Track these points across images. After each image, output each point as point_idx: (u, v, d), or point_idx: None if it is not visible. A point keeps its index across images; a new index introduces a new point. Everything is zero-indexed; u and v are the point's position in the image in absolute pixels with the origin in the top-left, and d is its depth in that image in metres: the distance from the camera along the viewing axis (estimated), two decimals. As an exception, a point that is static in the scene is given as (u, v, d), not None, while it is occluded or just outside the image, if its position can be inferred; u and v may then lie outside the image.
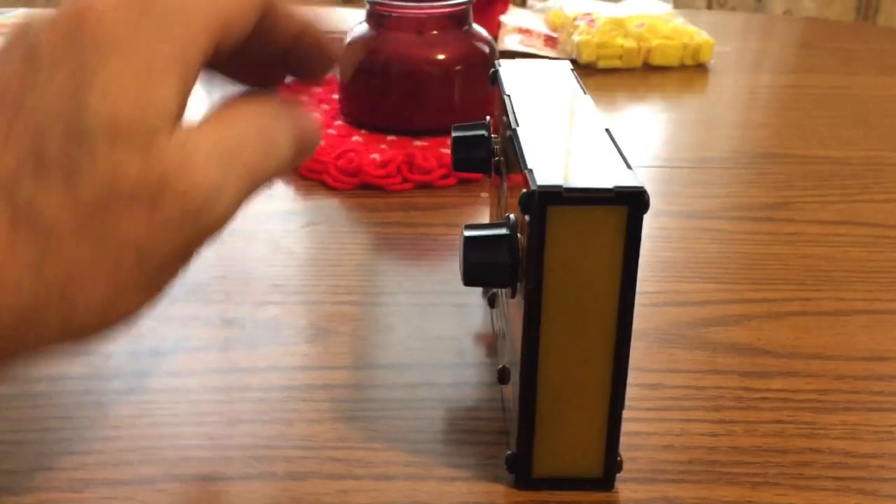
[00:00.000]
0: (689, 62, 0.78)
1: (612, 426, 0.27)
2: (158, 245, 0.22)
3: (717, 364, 0.35)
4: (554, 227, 0.24)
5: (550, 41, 0.80)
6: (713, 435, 0.31)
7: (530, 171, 0.25)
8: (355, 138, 0.54)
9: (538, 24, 0.82)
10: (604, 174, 0.25)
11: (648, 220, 0.48)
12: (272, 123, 0.25)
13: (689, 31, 0.78)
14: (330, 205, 0.49)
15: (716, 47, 0.79)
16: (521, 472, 0.28)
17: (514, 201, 0.26)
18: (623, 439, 0.30)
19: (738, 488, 0.28)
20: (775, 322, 0.38)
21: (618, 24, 0.77)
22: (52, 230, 0.21)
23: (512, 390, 0.29)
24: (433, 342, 0.36)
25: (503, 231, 0.27)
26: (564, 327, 0.26)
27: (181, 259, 0.23)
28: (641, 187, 0.24)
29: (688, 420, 0.31)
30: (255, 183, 0.24)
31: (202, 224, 0.22)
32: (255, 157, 0.24)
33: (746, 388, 0.33)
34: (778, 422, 0.31)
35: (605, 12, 0.79)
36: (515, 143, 0.28)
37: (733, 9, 1.64)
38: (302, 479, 0.28)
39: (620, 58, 0.76)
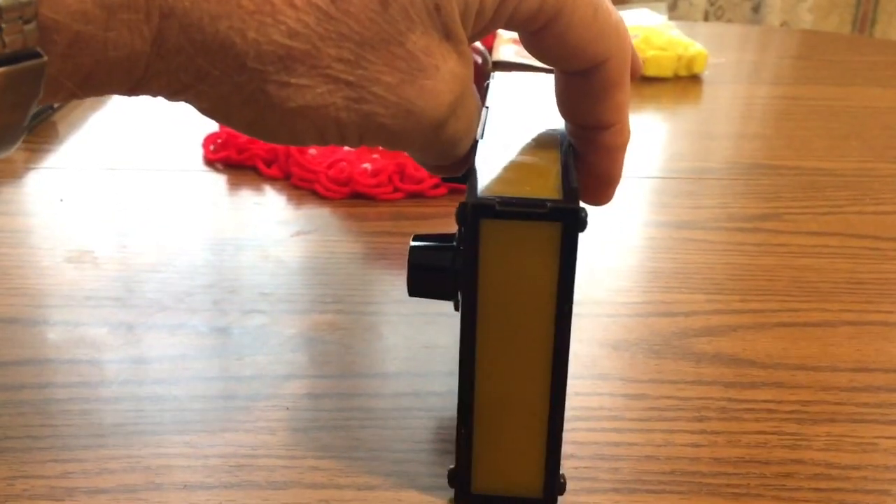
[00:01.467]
0: (683, 73, 0.78)
1: (551, 445, 0.26)
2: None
3: (702, 375, 0.35)
4: (487, 241, 0.24)
5: (545, 52, 0.80)
6: (696, 446, 0.31)
7: (470, 183, 0.25)
8: (347, 147, 0.54)
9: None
10: (545, 190, 0.25)
11: (638, 231, 0.49)
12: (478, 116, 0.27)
13: (684, 42, 0.79)
14: (320, 214, 0.49)
15: (710, 59, 0.79)
16: (460, 487, 0.27)
17: None
18: (606, 449, 0.30)
19: (719, 499, 0.28)
20: (761, 333, 0.38)
21: (612, 35, 0.77)
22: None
23: None
24: (420, 351, 0.36)
25: (448, 242, 0.27)
26: (500, 341, 0.25)
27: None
28: (576, 205, 0.24)
29: (671, 431, 0.31)
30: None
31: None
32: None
33: (731, 399, 0.33)
34: (761, 433, 0.31)
35: (600, 23, 0.79)
36: (472, 155, 0.28)
37: (730, 20, 1.65)
38: (283, 489, 0.28)
39: (615, 69, 0.76)
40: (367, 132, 0.24)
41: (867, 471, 0.30)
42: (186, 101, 0.23)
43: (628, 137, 0.28)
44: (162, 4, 0.20)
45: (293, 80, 0.22)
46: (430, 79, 0.24)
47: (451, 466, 0.28)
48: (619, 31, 0.26)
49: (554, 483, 0.27)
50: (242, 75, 0.22)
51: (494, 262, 0.24)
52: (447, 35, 0.24)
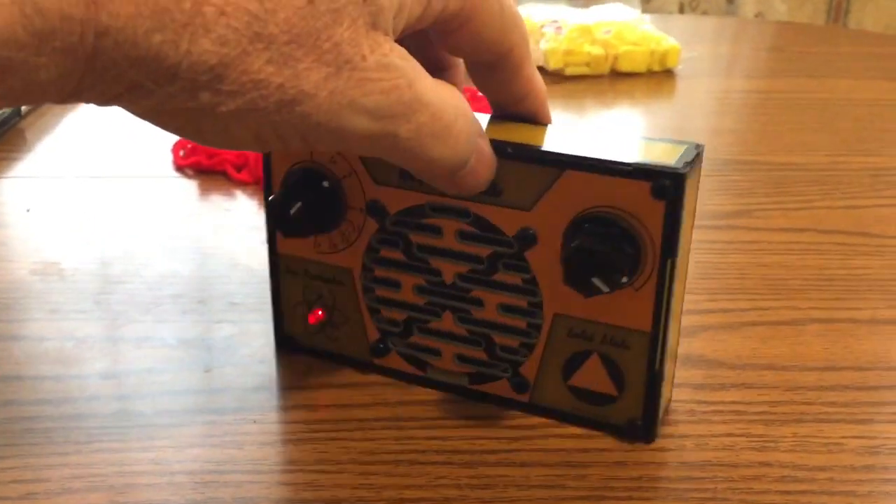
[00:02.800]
0: (656, 68, 0.78)
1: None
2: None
3: (670, 377, 0.35)
4: (686, 200, 0.28)
5: (518, 49, 0.80)
6: (664, 450, 0.31)
7: (641, 163, 0.28)
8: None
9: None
10: (654, 147, 0.29)
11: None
12: (468, 117, 0.27)
13: (657, 37, 0.79)
14: (291, 219, 0.48)
15: (683, 53, 0.80)
16: (646, 432, 0.31)
17: (565, 202, 0.29)
18: (574, 456, 0.30)
19: (686, 504, 0.28)
20: (731, 333, 0.38)
21: (585, 31, 0.77)
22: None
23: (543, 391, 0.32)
24: (389, 359, 0.36)
25: (619, 227, 0.28)
26: (678, 289, 0.30)
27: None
28: (696, 142, 0.29)
29: (639, 435, 0.31)
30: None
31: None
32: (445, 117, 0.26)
33: (699, 402, 0.33)
34: (729, 435, 0.31)
35: (573, 19, 0.79)
36: (545, 155, 0.29)
37: (705, 12, 1.65)
38: (249, 504, 0.28)
39: (588, 65, 0.76)
40: (306, 133, 0.24)
41: (834, 472, 0.30)
42: (119, 106, 0.23)
43: (544, 92, 0.31)
44: (97, 25, 0.20)
45: (224, 88, 0.22)
46: (355, 69, 0.23)
47: (632, 418, 0.31)
48: (520, 21, 0.29)
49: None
50: (174, 85, 0.22)
51: (685, 218, 0.28)
52: (374, 25, 0.24)
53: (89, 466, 0.29)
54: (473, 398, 0.33)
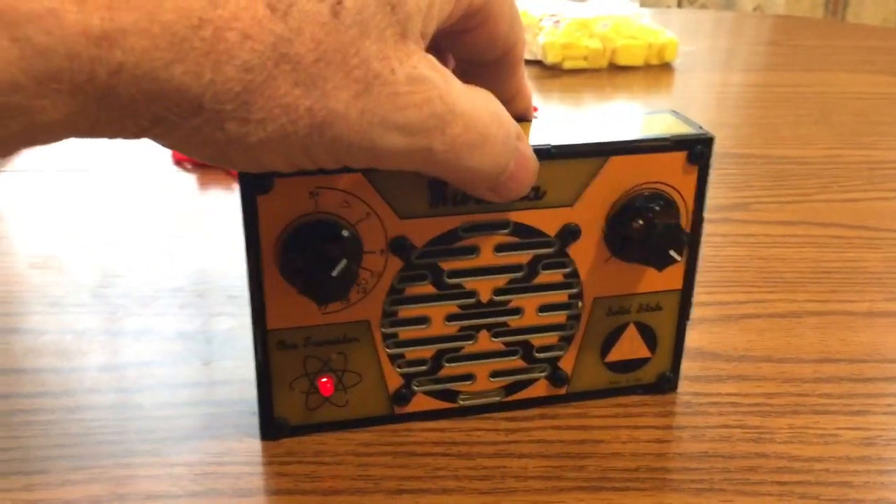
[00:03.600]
0: (654, 62, 0.78)
1: None
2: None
3: (667, 369, 0.35)
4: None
5: (516, 42, 0.80)
6: (661, 441, 0.31)
7: (677, 135, 0.30)
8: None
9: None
10: (660, 118, 0.31)
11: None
12: (504, 121, 0.26)
13: (654, 30, 0.79)
14: (289, 213, 0.48)
15: (681, 46, 0.80)
16: (675, 382, 0.33)
17: (610, 189, 0.30)
18: (571, 447, 0.30)
19: (682, 495, 0.28)
20: (727, 325, 0.38)
21: (583, 25, 0.77)
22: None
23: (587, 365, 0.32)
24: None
25: (663, 198, 0.30)
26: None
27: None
28: (670, 109, 0.33)
29: (636, 427, 0.32)
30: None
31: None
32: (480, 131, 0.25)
33: (696, 394, 0.33)
34: (725, 426, 0.32)
35: (571, 13, 0.79)
36: (589, 147, 0.29)
37: (703, 6, 1.65)
38: (248, 496, 0.28)
39: (586, 58, 0.76)
40: (338, 154, 0.23)
41: (829, 462, 0.30)
42: (149, 139, 0.23)
43: (529, 89, 0.31)
44: (109, 62, 0.19)
45: (252, 116, 0.21)
46: (385, 84, 0.22)
47: (665, 373, 0.33)
48: (520, 17, 0.29)
49: None
50: (199, 117, 0.21)
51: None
52: (403, 34, 0.23)
53: (89, 459, 0.29)
54: (510, 409, 0.32)
